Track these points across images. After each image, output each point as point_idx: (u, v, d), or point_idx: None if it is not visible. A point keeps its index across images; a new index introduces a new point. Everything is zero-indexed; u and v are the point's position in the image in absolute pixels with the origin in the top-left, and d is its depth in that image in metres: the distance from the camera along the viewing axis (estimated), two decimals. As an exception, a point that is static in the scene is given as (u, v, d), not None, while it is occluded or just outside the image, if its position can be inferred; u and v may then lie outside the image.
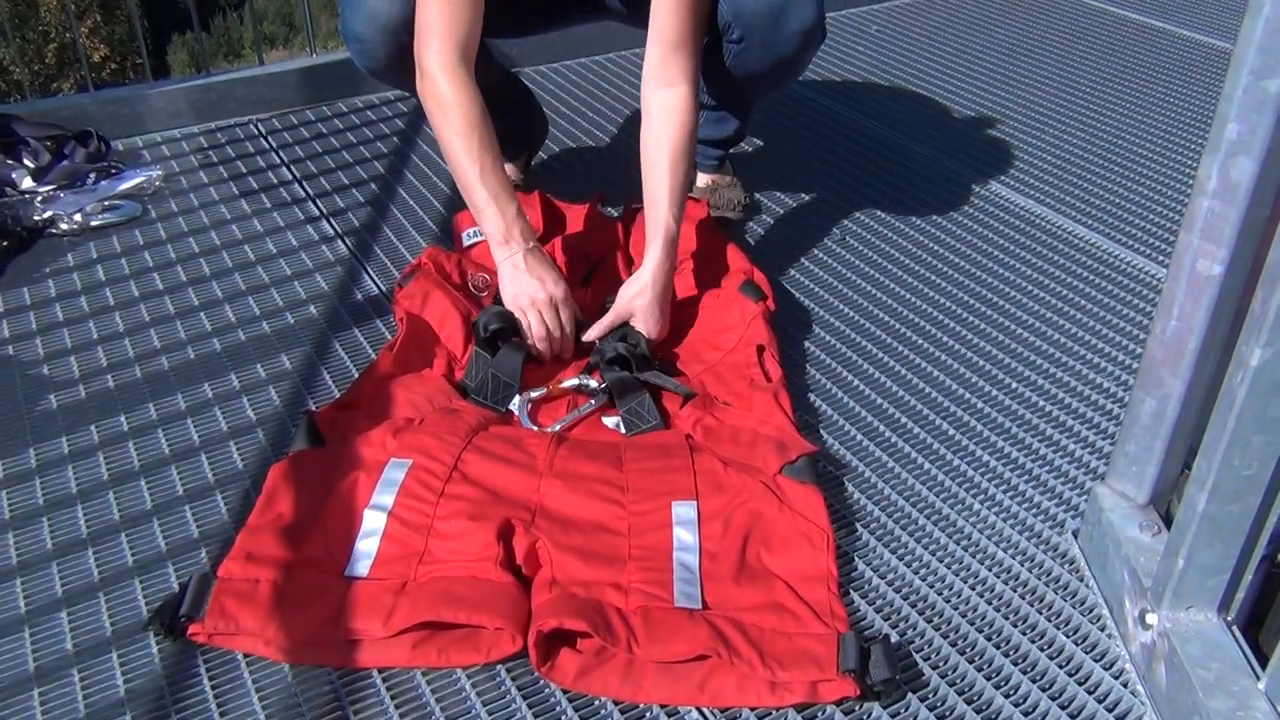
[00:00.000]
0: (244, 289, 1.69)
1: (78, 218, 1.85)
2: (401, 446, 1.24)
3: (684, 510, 1.20)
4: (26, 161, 1.95)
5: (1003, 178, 2.07)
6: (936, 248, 1.83)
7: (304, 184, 2.00)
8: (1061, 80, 2.53)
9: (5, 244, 1.76)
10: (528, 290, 1.43)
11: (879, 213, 1.94)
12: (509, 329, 1.44)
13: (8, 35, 15.01)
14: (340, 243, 1.82)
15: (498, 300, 1.48)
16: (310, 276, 1.72)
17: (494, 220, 1.44)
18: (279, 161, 2.09)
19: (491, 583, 1.09)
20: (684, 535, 1.17)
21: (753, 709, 1.02)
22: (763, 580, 1.13)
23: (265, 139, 2.18)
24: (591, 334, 1.47)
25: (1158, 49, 2.71)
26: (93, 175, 1.95)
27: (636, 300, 1.46)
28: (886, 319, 1.64)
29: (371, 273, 1.73)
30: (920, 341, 1.58)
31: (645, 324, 1.47)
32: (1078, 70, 2.58)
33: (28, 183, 1.93)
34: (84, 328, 1.59)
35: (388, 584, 1.09)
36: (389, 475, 1.20)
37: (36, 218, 1.83)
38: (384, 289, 1.68)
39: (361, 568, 1.11)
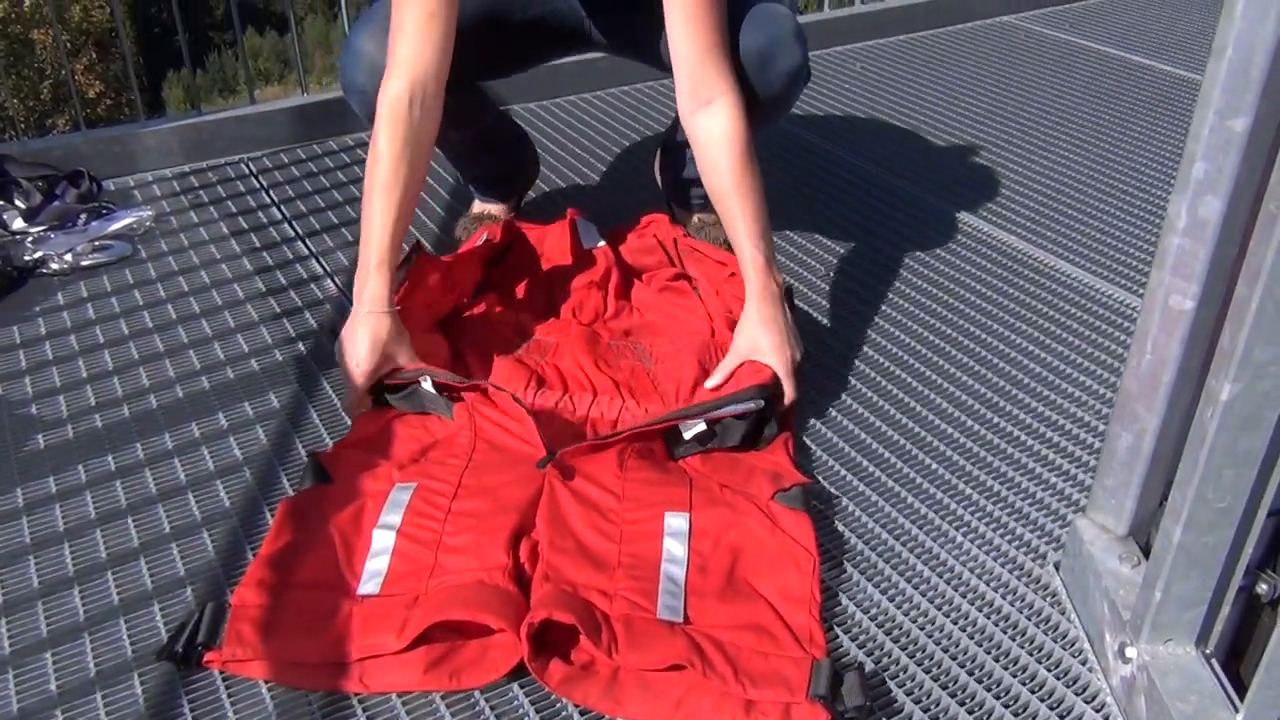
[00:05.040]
0: (233, 327, 1.70)
1: (68, 258, 1.86)
2: (405, 476, 1.27)
3: (676, 522, 1.22)
4: (18, 202, 1.97)
5: (983, 212, 2.09)
6: (918, 281, 1.85)
7: (293, 223, 2.02)
8: (1041, 115, 2.56)
9: (-4, 284, 1.78)
10: (342, 360, 1.42)
11: (860, 247, 1.96)
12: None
13: (3, 72, 15.11)
14: (329, 281, 1.83)
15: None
16: (299, 314, 1.74)
17: (360, 280, 1.42)
18: (269, 201, 2.11)
19: (497, 588, 1.11)
20: (674, 548, 1.19)
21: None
22: (746, 599, 1.15)
23: (256, 178, 2.20)
24: (714, 381, 1.44)
25: (1138, 84, 2.75)
26: (84, 216, 1.97)
27: (759, 336, 1.41)
28: (869, 352, 1.65)
29: (360, 310, 1.74)
30: (902, 375, 1.60)
31: (775, 362, 1.40)
32: (1057, 105, 2.61)
33: (19, 223, 1.95)
34: (73, 366, 1.60)
35: (400, 599, 1.12)
36: (395, 497, 1.24)
37: (27, 258, 1.84)
38: (372, 326, 1.69)
39: (373, 586, 1.14)
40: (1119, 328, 1.72)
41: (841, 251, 1.95)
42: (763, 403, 1.36)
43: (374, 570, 1.15)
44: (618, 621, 1.09)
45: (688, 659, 1.05)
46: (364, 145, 2.31)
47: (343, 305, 1.76)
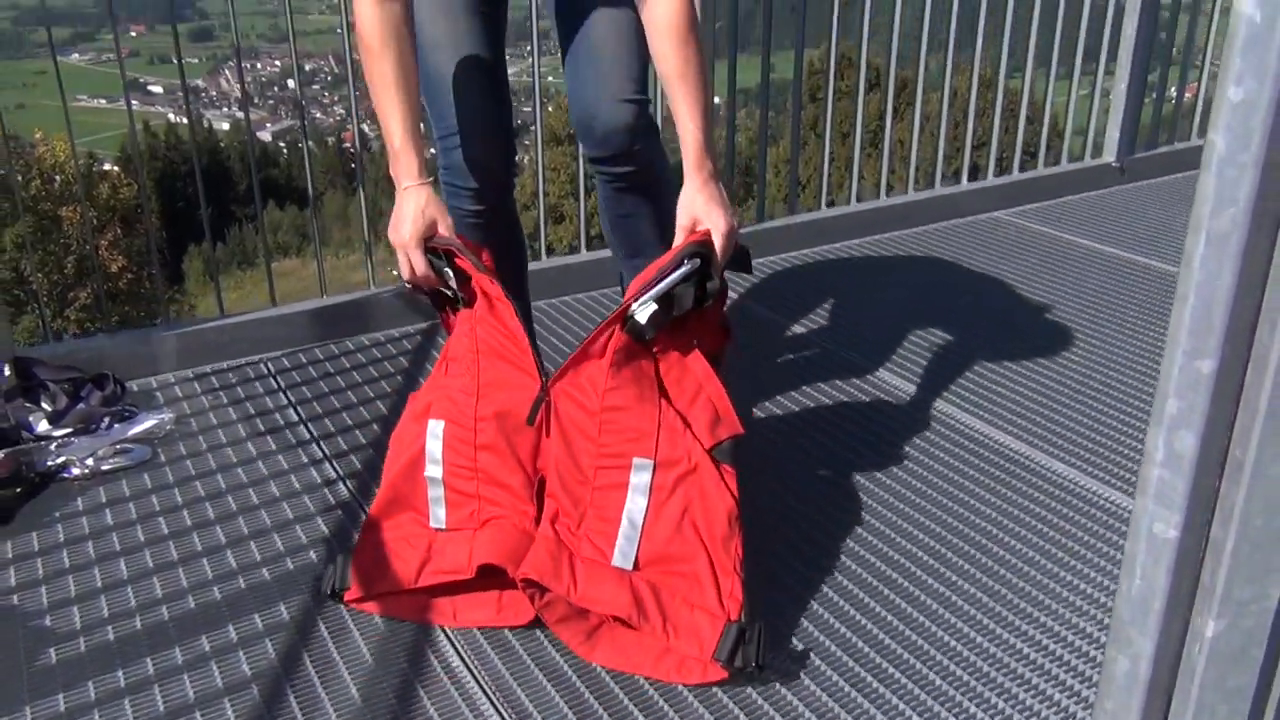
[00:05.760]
0: (246, 533, 1.74)
1: (89, 462, 1.92)
2: (436, 410, 1.55)
3: (639, 476, 1.44)
4: (45, 405, 2.04)
5: (977, 410, 2.15)
6: (913, 480, 1.89)
7: (309, 425, 2.09)
8: (1032, 309, 2.65)
9: (18, 490, 1.83)
10: (392, 236, 1.60)
11: (860, 448, 2.01)
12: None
13: (30, 247, 15.60)
14: (342, 485, 1.88)
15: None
16: (311, 520, 1.78)
17: (393, 163, 1.60)
18: (286, 402, 2.18)
19: (527, 534, 1.48)
20: (637, 498, 1.44)
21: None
22: (689, 547, 1.42)
23: (274, 378, 2.28)
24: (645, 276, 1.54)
25: (1124, 278, 2.85)
26: (107, 419, 2.04)
27: (695, 204, 1.55)
28: (869, 557, 1.68)
29: (371, 515, 1.78)
30: (903, 582, 1.62)
31: (713, 223, 1.53)
32: (1047, 298, 2.71)
33: (43, 425, 2.01)
34: (88, 575, 1.63)
35: (462, 534, 1.52)
36: (430, 446, 1.54)
37: (50, 463, 1.90)
38: (382, 532, 1.73)
39: (438, 522, 1.54)
40: (1115, 530, 1.75)
41: (834, 448, 2.00)
42: (699, 260, 1.47)
43: (435, 509, 1.54)
44: (580, 562, 1.43)
45: (627, 613, 1.39)
46: (379, 345, 2.42)
47: (355, 510, 1.80)
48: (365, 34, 1.57)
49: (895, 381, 2.27)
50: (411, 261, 1.58)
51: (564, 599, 1.42)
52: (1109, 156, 3.58)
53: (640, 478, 1.44)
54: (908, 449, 2.00)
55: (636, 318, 1.43)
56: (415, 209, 1.57)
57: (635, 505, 1.43)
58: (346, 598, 1.53)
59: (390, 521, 1.55)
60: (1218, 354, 1.00)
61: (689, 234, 1.54)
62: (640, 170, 1.75)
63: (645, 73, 1.72)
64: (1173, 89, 3.84)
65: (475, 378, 1.53)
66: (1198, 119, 3.82)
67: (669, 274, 1.45)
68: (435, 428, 1.54)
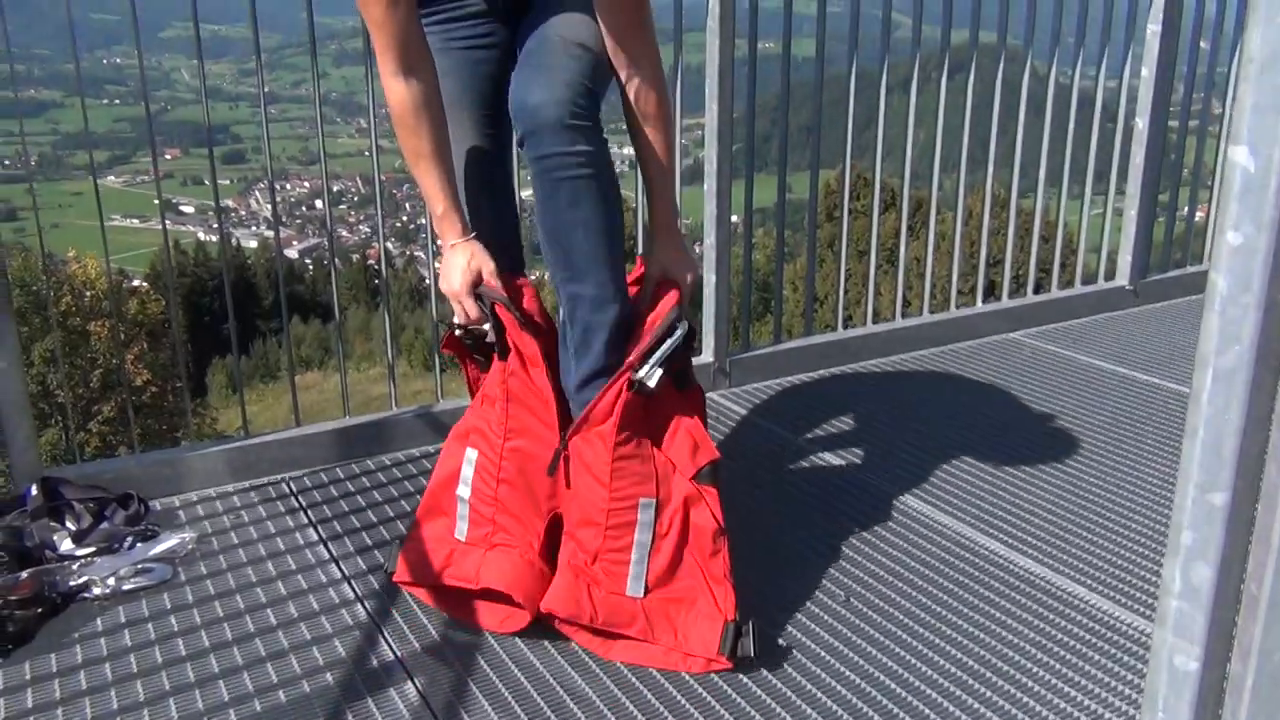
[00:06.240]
0: (264, 655, 1.74)
1: (111, 582, 1.93)
2: (473, 440, 1.81)
3: (645, 514, 1.69)
4: (69, 524, 2.07)
5: (995, 532, 2.14)
6: (936, 607, 1.88)
7: (329, 544, 2.10)
8: (1048, 429, 2.65)
9: (39, 610, 1.84)
10: (444, 286, 1.81)
11: (878, 570, 2.00)
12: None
13: (59, 361, 15.86)
14: (360, 606, 1.88)
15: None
16: (329, 642, 1.77)
17: (438, 225, 1.79)
18: (307, 521, 2.19)
19: (532, 565, 1.74)
20: (642, 534, 1.69)
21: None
22: (687, 567, 1.70)
23: (296, 497, 2.30)
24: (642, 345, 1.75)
25: (1137, 398, 2.86)
26: (129, 538, 2.05)
27: (664, 258, 1.84)
28: (891, 685, 1.66)
29: (388, 637, 1.78)
30: (927, 712, 1.60)
31: (679, 276, 1.83)
32: (1062, 418, 2.71)
33: (67, 545, 2.03)
34: (105, 698, 1.63)
35: (475, 550, 1.78)
36: (464, 470, 1.80)
37: (72, 583, 1.91)
38: (400, 654, 1.73)
39: (460, 534, 1.81)
40: (1138, 657, 1.72)
41: (851, 569, 1.99)
42: (687, 325, 1.75)
43: (460, 523, 1.80)
44: (599, 592, 1.67)
45: (643, 634, 1.67)
46: (400, 464, 2.44)
47: (371, 632, 1.80)
48: (397, 111, 1.70)
49: (915, 504, 2.27)
50: (465, 307, 1.78)
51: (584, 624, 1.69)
52: (1122, 279, 3.62)
53: (646, 515, 1.69)
54: (928, 573, 1.99)
55: (647, 383, 1.67)
56: (464, 261, 1.76)
57: (643, 539, 1.68)
58: (394, 579, 1.87)
59: (428, 523, 1.84)
60: (1230, 487, 1.01)
61: (658, 285, 1.82)
62: (576, 156, 1.65)
63: (590, 82, 1.69)
64: (1185, 208, 3.91)
65: (503, 422, 1.77)
66: (1209, 240, 3.88)
67: (664, 339, 1.70)
68: (470, 454, 1.80)
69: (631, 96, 1.77)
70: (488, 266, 1.78)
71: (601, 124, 1.70)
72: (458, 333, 1.83)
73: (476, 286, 1.77)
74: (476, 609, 1.80)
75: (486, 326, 1.79)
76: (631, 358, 1.70)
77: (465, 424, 1.85)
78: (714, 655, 1.65)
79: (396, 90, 1.69)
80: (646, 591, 1.69)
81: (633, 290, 1.87)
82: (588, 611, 1.67)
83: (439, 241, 1.83)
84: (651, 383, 1.67)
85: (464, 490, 1.80)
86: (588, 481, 1.70)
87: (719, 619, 1.67)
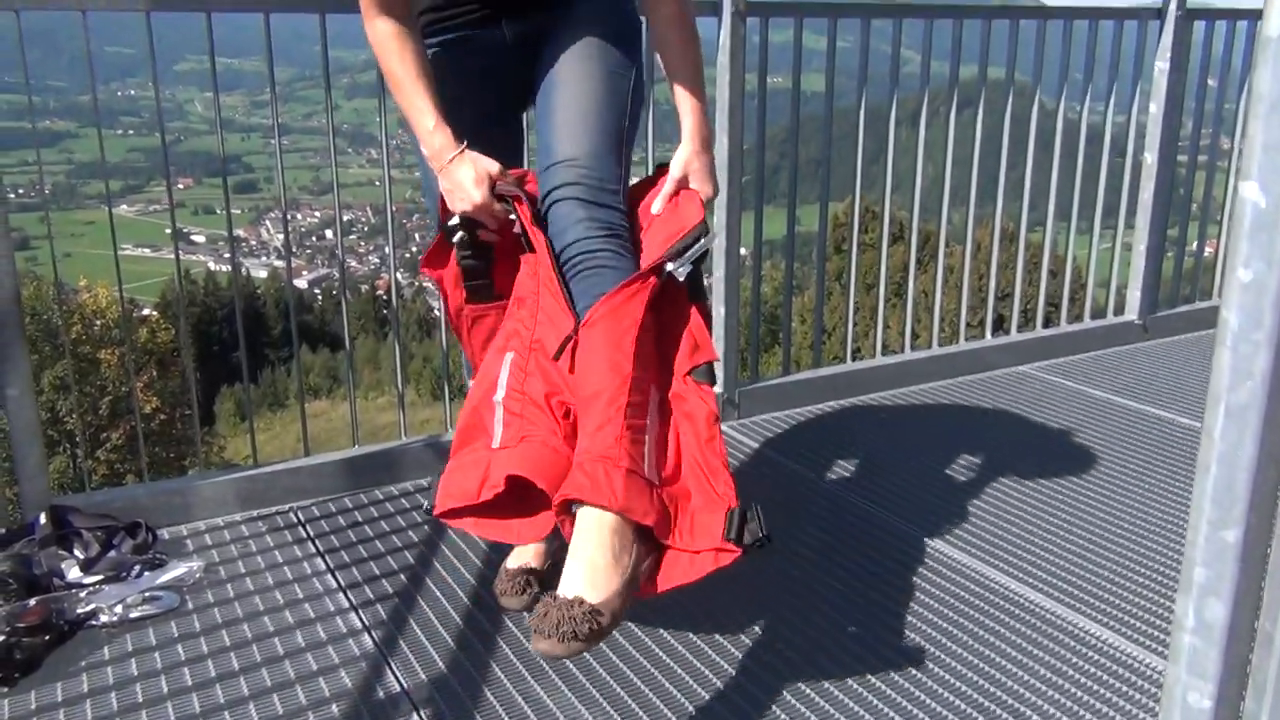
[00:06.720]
0: (269, 685, 1.73)
1: (118, 610, 1.93)
2: (509, 343, 1.74)
3: (653, 404, 1.63)
4: (77, 552, 2.07)
5: (1010, 569, 2.13)
6: (945, 640, 1.87)
7: (336, 574, 2.09)
8: (1062, 467, 2.64)
9: (47, 638, 1.83)
10: (461, 205, 1.73)
11: (887, 604, 1.99)
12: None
13: (71, 388, 15.91)
14: (367, 636, 1.87)
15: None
16: (335, 673, 1.77)
17: (428, 144, 1.73)
18: (314, 551, 2.19)
19: (556, 452, 1.63)
20: (654, 420, 1.61)
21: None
22: (688, 465, 1.62)
23: (304, 527, 2.30)
24: (656, 206, 1.77)
25: (1148, 433, 2.85)
26: (137, 567, 2.05)
27: (691, 164, 1.79)
28: (902, 721, 1.65)
29: (395, 668, 1.77)
30: (937, 747, 1.58)
31: (702, 186, 1.80)
32: (1072, 452, 2.71)
33: (75, 573, 2.03)
34: (111, 727, 1.63)
35: (507, 451, 1.65)
36: (501, 375, 1.71)
37: (79, 610, 1.91)
38: (406, 686, 1.72)
39: (496, 441, 1.67)
40: (1150, 695, 1.71)
41: (859, 601, 1.98)
42: (713, 234, 1.74)
43: (496, 430, 1.68)
44: (619, 472, 1.50)
45: (657, 524, 1.51)
46: (408, 494, 2.44)
47: (378, 663, 1.80)
48: (378, 42, 1.71)
49: (923, 538, 2.26)
50: (490, 215, 1.72)
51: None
52: (1132, 314, 3.62)
53: (655, 401, 1.63)
54: (937, 606, 1.98)
55: (676, 275, 1.66)
56: (471, 171, 1.70)
57: (652, 431, 1.61)
58: (435, 513, 1.70)
59: (465, 448, 1.74)
60: (1243, 523, 1.00)
61: (676, 188, 1.79)
62: (583, 187, 1.72)
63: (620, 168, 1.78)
64: (1194, 243, 3.91)
65: (535, 311, 1.72)
66: (1219, 275, 3.88)
67: (695, 241, 1.69)
68: (507, 358, 1.74)
69: (665, 11, 1.77)
70: (493, 167, 1.73)
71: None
72: (460, 251, 1.76)
73: (493, 191, 1.72)
74: (525, 528, 1.69)
75: (516, 229, 1.74)
76: (659, 256, 1.68)
77: (501, 338, 1.79)
78: (720, 543, 1.53)
79: (379, 26, 1.70)
80: (659, 482, 1.57)
81: (650, 192, 1.85)
82: (605, 494, 1.49)
83: (433, 163, 1.74)
84: (680, 276, 1.66)
85: (500, 394, 1.72)
86: (601, 367, 1.61)
87: (721, 506, 1.57)
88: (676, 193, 1.79)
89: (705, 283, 1.83)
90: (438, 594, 2.02)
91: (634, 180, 1.87)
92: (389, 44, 1.71)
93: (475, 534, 1.77)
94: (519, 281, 1.78)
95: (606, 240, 1.69)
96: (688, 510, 1.58)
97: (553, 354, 1.67)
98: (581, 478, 1.51)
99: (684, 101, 1.81)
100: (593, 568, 1.45)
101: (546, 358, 1.69)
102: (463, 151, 1.71)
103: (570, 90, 1.77)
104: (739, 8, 2.68)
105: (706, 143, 1.81)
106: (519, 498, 1.64)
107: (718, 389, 2.88)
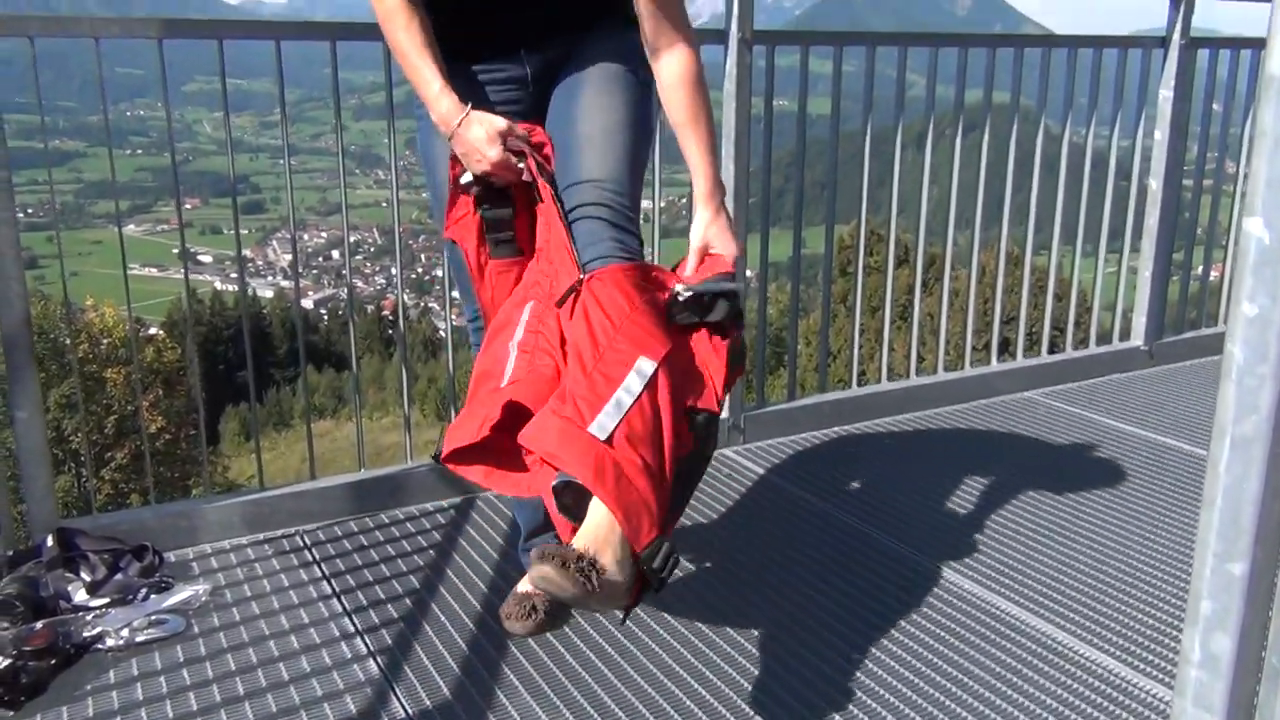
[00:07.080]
0: (275, 710, 1.73)
1: (124, 633, 1.93)
2: (528, 292, 1.74)
3: (645, 364, 1.54)
4: (84, 575, 2.07)
5: (1016, 596, 2.12)
6: (951, 670, 1.86)
7: (342, 598, 2.09)
8: (1067, 494, 2.64)
9: (53, 661, 1.83)
10: (477, 165, 1.74)
11: (894, 632, 1.98)
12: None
13: (76, 407, 15.95)
14: (372, 661, 1.87)
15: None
16: (340, 698, 1.76)
17: (435, 108, 1.74)
18: (320, 575, 2.19)
19: (554, 385, 1.58)
20: (633, 383, 1.52)
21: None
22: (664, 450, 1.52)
23: (310, 550, 2.30)
24: (689, 271, 1.76)
25: (1152, 459, 2.85)
26: (144, 590, 2.06)
27: (710, 230, 1.76)
28: (908, 751, 1.64)
29: (399, 694, 1.77)
30: (943, 777, 1.58)
31: (725, 249, 1.77)
32: (1078, 479, 2.70)
33: (81, 595, 2.03)
34: (115, 752, 1.63)
35: (516, 384, 1.62)
36: (520, 319, 1.71)
37: (85, 634, 1.91)
38: (411, 712, 1.72)
39: (504, 379, 1.65)
40: (1161, 726, 1.70)
41: (864, 628, 1.97)
42: (740, 285, 1.72)
43: (507, 370, 1.66)
44: (557, 420, 1.47)
45: (588, 480, 1.42)
46: (414, 519, 2.44)
47: (383, 688, 1.79)
48: (385, 14, 1.74)
49: (928, 565, 2.25)
50: (506, 170, 1.73)
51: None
52: (1137, 340, 3.62)
53: (644, 366, 1.54)
54: (941, 633, 1.97)
55: (679, 295, 1.66)
56: (482, 130, 1.71)
57: (631, 387, 1.52)
58: (442, 459, 1.67)
59: (475, 392, 1.71)
60: (1249, 556, 1.00)
61: (700, 256, 1.77)
62: (610, 209, 1.73)
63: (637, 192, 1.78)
64: (1199, 267, 3.91)
65: (555, 259, 1.70)
66: (1225, 300, 3.88)
67: (715, 283, 1.69)
68: (527, 308, 1.72)
69: (673, 69, 1.74)
70: (501, 124, 1.73)
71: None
72: (481, 206, 1.77)
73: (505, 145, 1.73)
74: (537, 479, 1.61)
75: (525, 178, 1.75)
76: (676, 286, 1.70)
77: (523, 284, 1.78)
78: (637, 549, 1.44)
79: (386, 1, 1.73)
80: (610, 442, 1.46)
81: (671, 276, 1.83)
82: (536, 438, 1.48)
83: (442, 128, 1.75)
84: (681, 296, 1.66)
85: (518, 334, 1.70)
86: (583, 328, 1.59)
87: (656, 521, 1.47)
88: (701, 260, 1.78)
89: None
90: (443, 619, 2.01)
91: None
92: (396, 16, 1.74)
93: (485, 486, 1.70)
94: (539, 231, 1.78)
95: (631, 261, 1.69)
96: (641, 490, 1.47)
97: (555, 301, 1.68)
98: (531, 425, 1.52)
99: (695, 162, 1.79)
100: (603, 537, 1.44)
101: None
102: (469, 112, 1.73)
103: (592, 108, 1.78)
104: (745, 36, 2.70)
105: (721, 204, 1.79)
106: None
107: (723, 414, 2.88)
